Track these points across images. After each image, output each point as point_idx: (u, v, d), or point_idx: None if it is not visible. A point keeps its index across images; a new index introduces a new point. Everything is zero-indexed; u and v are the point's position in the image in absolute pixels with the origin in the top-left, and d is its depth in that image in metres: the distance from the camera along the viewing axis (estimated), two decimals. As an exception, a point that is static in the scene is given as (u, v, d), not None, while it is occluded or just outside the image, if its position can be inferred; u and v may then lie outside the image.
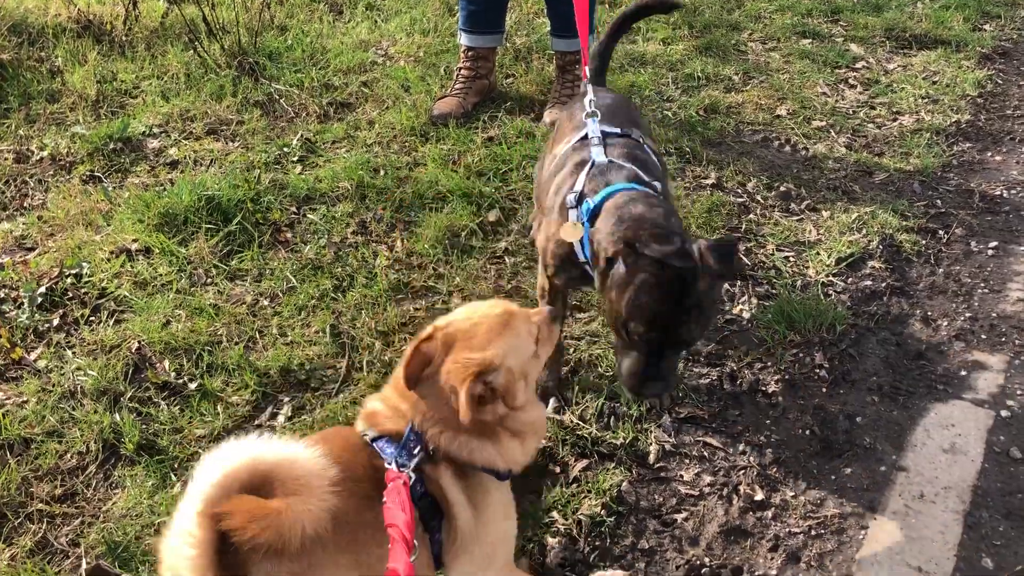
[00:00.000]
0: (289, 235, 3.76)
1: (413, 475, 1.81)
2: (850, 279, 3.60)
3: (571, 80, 4.78)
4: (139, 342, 3.11)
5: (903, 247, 3.80)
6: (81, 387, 2.94)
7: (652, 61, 5.50)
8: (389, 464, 1.82)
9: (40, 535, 2.50)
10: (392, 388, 2.01)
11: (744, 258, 3.74)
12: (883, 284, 3.58)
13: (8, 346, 3.08)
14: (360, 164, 4.20)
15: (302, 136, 4.52)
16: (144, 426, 2.80)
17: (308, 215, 3.88)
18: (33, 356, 3.10)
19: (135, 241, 3.64)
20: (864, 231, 3.88)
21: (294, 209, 3.92)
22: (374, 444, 1.89)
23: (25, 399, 2.91)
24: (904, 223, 3.95)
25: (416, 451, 1.85)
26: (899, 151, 4.60)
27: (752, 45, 5.89)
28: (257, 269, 3.54)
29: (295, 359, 3.08)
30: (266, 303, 3.37)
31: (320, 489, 1.58)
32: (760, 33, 6.07)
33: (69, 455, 2.73)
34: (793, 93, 5.16)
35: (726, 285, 3.56)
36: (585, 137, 2.78)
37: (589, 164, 2.66)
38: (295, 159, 4.34)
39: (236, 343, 3.15)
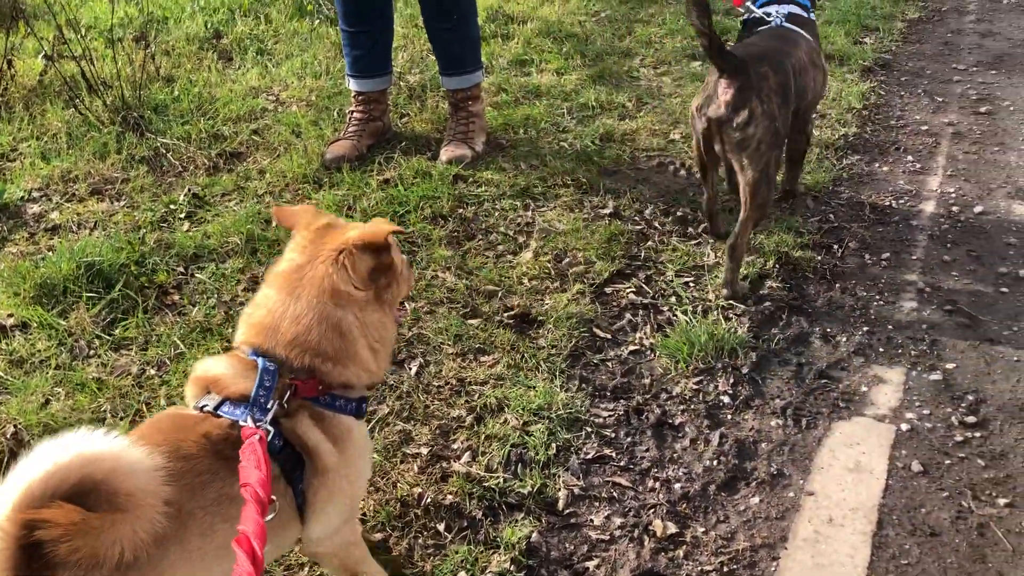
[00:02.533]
0: (176, 297, 3.61)
1: (271, 428, 1.77)
2: (749, 301, 3.61)
3: (465, 117, 4.74)
4: (15, 426, 2.92)
5: (800, 264, 3.85)
6: (-49, 481, 2.74)
7: (547, 92, 5.51)
8: (243, 422, 1.76)
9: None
10: (246, 326, 1.96)
11: (644, 286, 3.73)
12: (782, 303, 3.60)
13: None
14: (250, 216, 4.07)
15: (189, 191, 4.37)
16: (21, 518, 2.62)
17: (196, 274, 3.74)
18: None
19: (10, 316, 3.44)
20: (760, 251, 3.91)
21: (181, 269, 3.77)
22: (220, 411, 1.82)
23: None
24: (799, 240, 4.00)
25: (269, 405, 1.81)
26: (791, 168, 4.67)
27: (644, 71, 5.96)
28: (143, 336, 3.38)
29: (185, 430, 2.93)
30: (153, 372, 3.22)
31: (150, 509, 1.48)
32: (651, 58, 6.15)
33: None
34: (685, 116, 5.21)
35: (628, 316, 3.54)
36: None
37: None
38: (182, 215, 4.19)
39: (122, 418, 2.99)
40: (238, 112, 5.21)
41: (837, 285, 3.74)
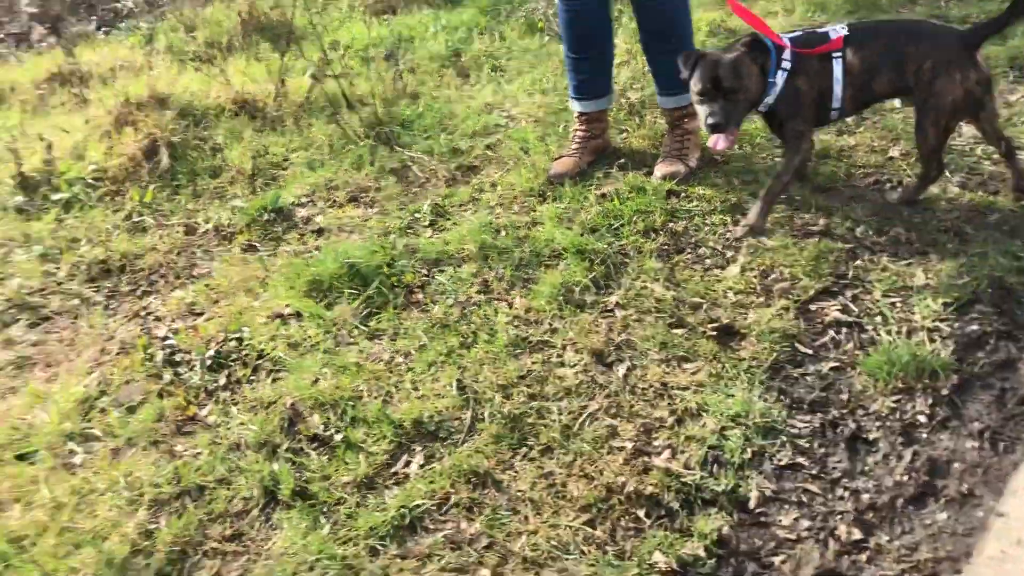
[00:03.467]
0: (420, 296, 4.16)
1: None
2: (956, 324, 3.67)
3: (681, 135, 5.02)
4: (292, 399, 3.55)
5: (1014, 289, 3.83)
6: (244, 440, 3.40)
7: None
8: None
9: (215, 570, 2.93)
10: None
11: (850, 304, 3.86)
12: (990, 328, 3.63)
13: (184, 404, 3.58)
14: (483, 226, 4.58)
15: (432, 201, 4.94)
16: (297, 474, 3.22)
17: (437, 276, 4.28)
18: (204, 412, 3.60)
19: (287, 306, 4.12)
20: (974, 274, 3.93)
21: (425, 271, 4.33)
22: None
23: (199, 451, 3.39)
24: (1016, 264, 3.98)
25: None
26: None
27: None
28: (393, 329, 3.95)
29: (426, 411, 3.44)
30: (400, 360, 3.77)
31: None
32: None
33: (236, 500, 3.17)
34: (906, 133, 5.20)
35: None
36: None
37: None
38: (426, 223, 4.77)
39: (375, 397, 3.55)
40: (474, 127, 5.76)
41: (1053, 312, 3.71)
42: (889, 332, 3.66)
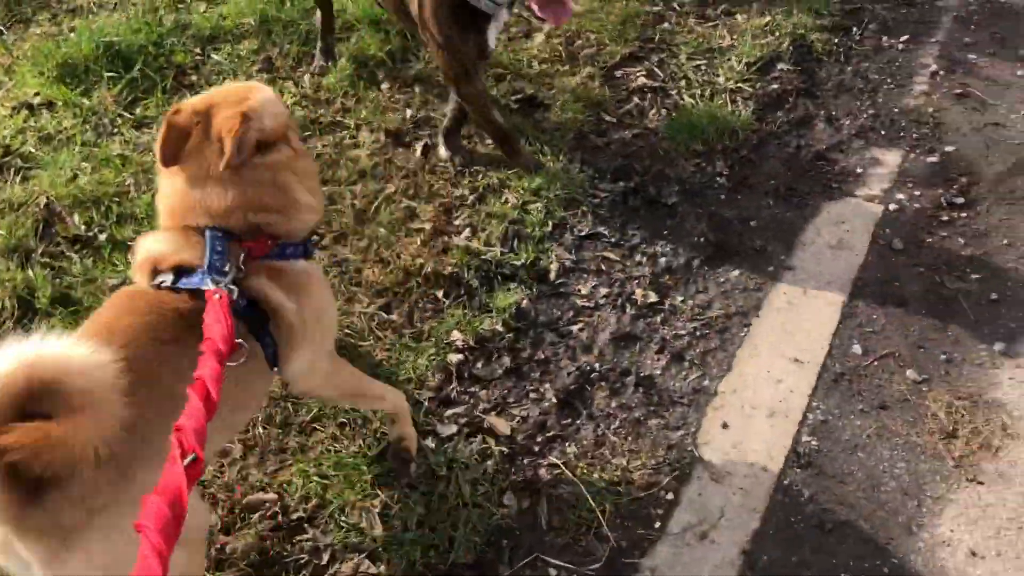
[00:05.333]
0: (194, 78, 3.71)
1: (233, 288, 1.78)
2: (758, 84, 3.61)
3: None
4: (47, 197, 3.13)
5: (814, 47, 3.79)
6: (-8, 247, 3.00)
7: None
8: (203, 286, 1.76)
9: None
10: (166, 217, 1.94)
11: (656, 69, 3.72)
12: (790, 86, 3.59)
13: (-85, 210, 3.11)
14: (265, -3, 4.09)
15: (205, -29, 4.36)
16: (57, 280, 2.88)
17: (212, 55, 3.81)
18: (-56, 220, 3.14)
19: (36, 95, 3.59)
20: (777, 33, 3.85)
21: (198, 50, 3.85)
22: (179, 286, 1.80)
23: (-62, 264, 2.97)
24: (818, 22, 3.92)
25: (226, 268, 1.80)
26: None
27: None
28: (162, 115, 3.52)
29: (203, 204, 3.12)
30: (174, 150, 3.38)
31: (109, 403, 1.45)
32: None
33: (-13, 313, 2.82)
34: None
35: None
36: None
37: None
38: (198, -2, 4.21)
39: (144, 192, 3.18)
40: None
41: (850, 68, 3.70)
42: (693, 96, 3.56)
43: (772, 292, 2.79)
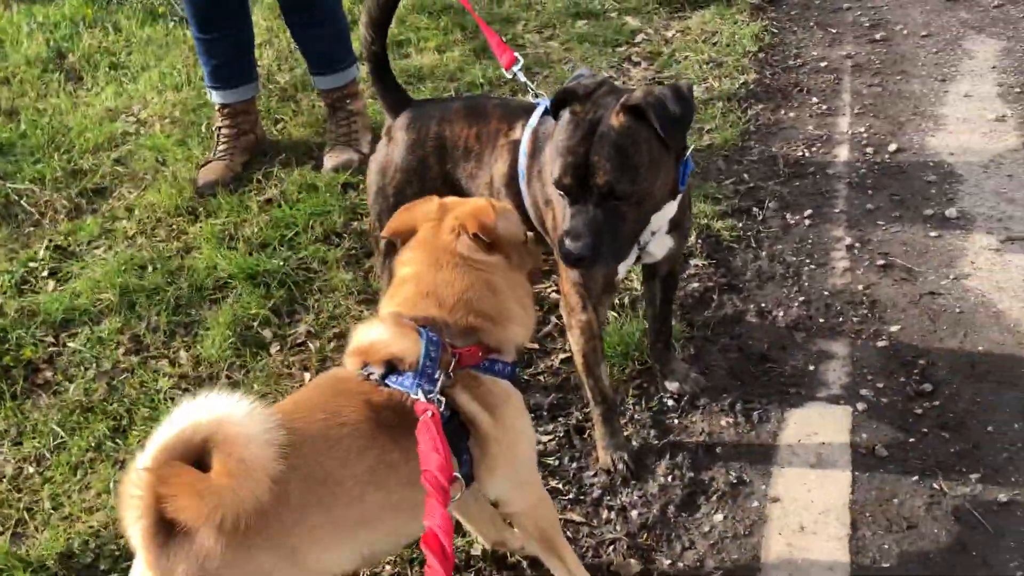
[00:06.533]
0: (49, 374, 3.20)
1: (442, 399, 1.80)
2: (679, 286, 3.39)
3: (345, 117, 4.37)
4: None
5: (722, 236, 3.63)
6: None
7: (430, 74, 5.14)
8: (415, 396, 1.79)
9: None
10: (395, 302, 1.99)
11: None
12: (711, 283, 3.39)
13: None
14: (123, 264, 3.65)
15: (51, 242, 3.91)
16: None
17: (69, 343, 3.32)
18: None
19: None
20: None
21: (51, 339, 3.35)
22: (387, 382, 1.83)
23: None
24: (717, 208, 3.79)
25: (436, 375, 1.82)
26: (695, 127, 4.44)
27: (529, 36, 5.64)
28: (15, 428, 2.97)
29: (76, 538, 2.57)
30: (32, 470, 2.83)
31: (257, 481, 1.53)
32: (535, 22, 5.82)
33: None
34: (580, 84, 4.92)
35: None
36: None
37: None
38: (45, 274, 3.74)
39: (0, 534, 2.61)
40: (96, 141, 4.71)
41: (764, 253, 3.54)
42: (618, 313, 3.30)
43: (767, 534, 2.44)
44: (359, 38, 3.23)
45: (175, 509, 1.51)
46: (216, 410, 1.55)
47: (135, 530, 1.55)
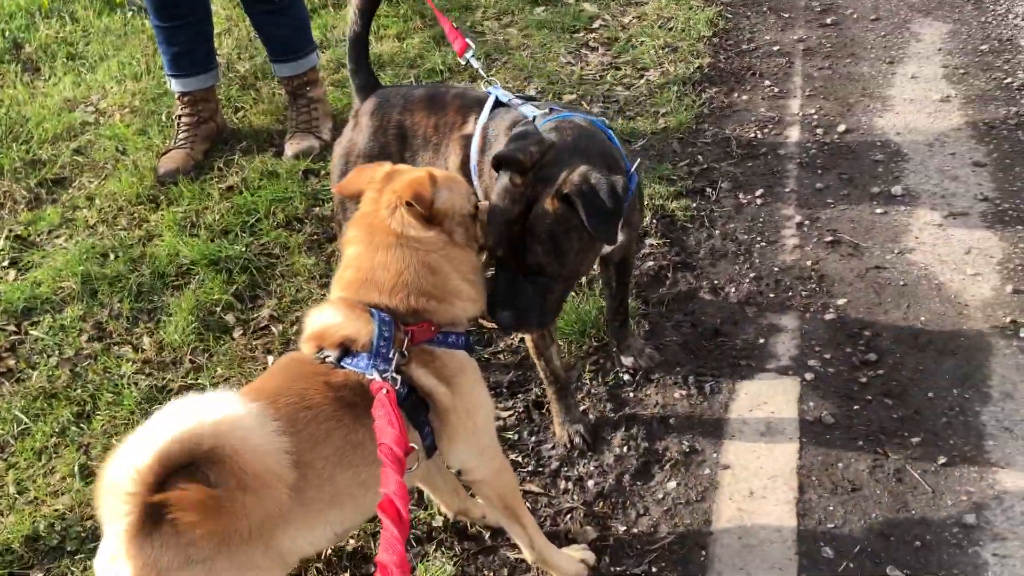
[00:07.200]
0: (12, 362, 3.22)
1: (397, 377, 1.83)
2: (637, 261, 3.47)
3: (305, 104, 4.39)
4: None
5: (676, 216, 3.72)
6: None
7: (391, 61, 5.17)
8: (370, 376, 1.82)
9: None
10: (339, 287, 1.99)
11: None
12: (665, 261, 3.47)
13: None
14: (84, 253, 3.67)
15: (10, 232, 3.91)
16: None
17: (31, 331, 3.34)
18: None
19: None
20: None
21: (13, 327, 3.36)
22: (343, 364, 1.86)
23: None
24: (672, 189, 3.87)
25: (391, 355, 1.85)
26: (651, 110, 4.53)
27: (488, 24, 5.68)
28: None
29: (42, 521, 2.60)
30: (-5, 456, 2.85)
31: (277, 492, 1.56)
32: (493, 9, 5.86)
33: None
34: (538, 69, 4.99)
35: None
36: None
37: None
38: (5, 264, 3.74)
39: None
40: (55, 131, 4.70)
41: (717, 231, 3.63)
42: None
43: (718, 500, 2.53)
44: (341, 21, 3.25)
45: (184, 525, 1.50)
46: (214, 413, 1.52)
47: (119, 523, 1.52)
